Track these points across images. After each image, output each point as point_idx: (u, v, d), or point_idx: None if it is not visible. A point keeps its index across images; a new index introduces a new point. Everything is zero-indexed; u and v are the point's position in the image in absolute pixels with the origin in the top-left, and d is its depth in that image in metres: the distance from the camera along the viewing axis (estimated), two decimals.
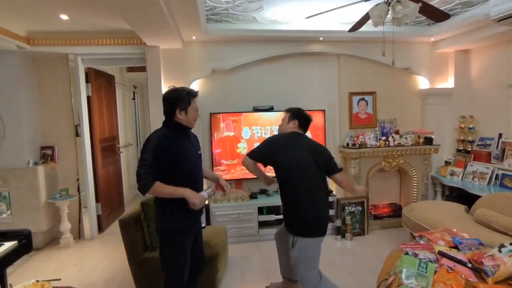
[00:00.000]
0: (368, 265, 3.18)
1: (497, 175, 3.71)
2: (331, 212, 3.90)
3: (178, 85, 2.22)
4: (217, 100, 4.05)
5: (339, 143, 4.32)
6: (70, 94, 3.97)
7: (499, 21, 2.81)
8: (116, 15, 2.96)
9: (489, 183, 3.73)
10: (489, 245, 1.92)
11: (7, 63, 3.60)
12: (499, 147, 3.83)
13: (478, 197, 3.27)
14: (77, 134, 4.04)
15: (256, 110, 4.00)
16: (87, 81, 4.09)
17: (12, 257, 2.03)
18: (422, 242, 2.00)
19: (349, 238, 3.82)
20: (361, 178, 4.05)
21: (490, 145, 3.98)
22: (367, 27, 3.02)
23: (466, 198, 3.71)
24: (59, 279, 2.71)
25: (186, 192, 1.90)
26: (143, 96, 6.80)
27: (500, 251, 1.62)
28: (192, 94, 2.01)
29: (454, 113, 4.42)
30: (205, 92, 3.99)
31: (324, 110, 4.09)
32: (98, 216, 4.19)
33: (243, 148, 3.96)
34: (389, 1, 2.36)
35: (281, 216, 3.70)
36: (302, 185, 2.18)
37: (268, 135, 3.96)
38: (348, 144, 4.10)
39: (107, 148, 4.55)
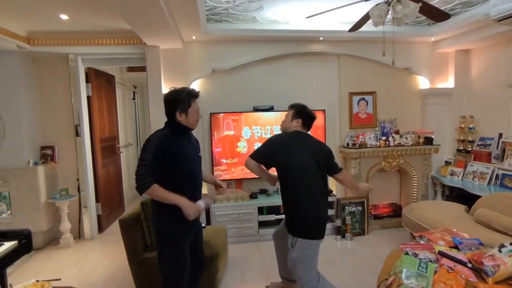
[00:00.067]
0: (368, 265, 3.18)
1: (497, 175, 3.71)
2: (331, 212, 3.91)
3: (178, 85, 2.20)
4: (217, 100, 4.05)
5: (339, 143, 4.32)
6: (70, 94, 3.98)
7: (499, 21, 2.81)
8: (116, 15, 2.96)
9: (489, 183, 3.73)
10: (489, 245, 1.92)
11: (7, 63, 3.61)
12: (499, 147, 3.83)
13: (478, 197, 3.27)
14: (77, 134, 4.04)
15: (256, 110, 4.00)
16: (87, 81, 4.09)
17: (12, 257, 2.03)
18: (422, 242, 2.00)
19: (349, 238, 3.82)
20: (361, 178, 4.05)
21: (490, 145, 3.97)
22: (367, 27, 3.02)
23: (466, 198, 3.71)
24: (59, 279, 2.72)
25: (181, 201, 1.87)
26: (143, 96, 6.80)
27: (500, 251, 1.62)
28: (193, 95, 1.98)
29: (454, 113, 4.41)
30: (205, 92, 3.98)
31: (324, 110, 4.09)
32: (98, 216, 4.19)
33: (243, 147, 3.95)
34: (389, 1, 2.36)
35: (281, 216, 3.72)
36: (302, 184, 2.17)
37: (268, 135, 3.95)
38: (348, 144, 4.10)
39: (107, 148, 4.55)
